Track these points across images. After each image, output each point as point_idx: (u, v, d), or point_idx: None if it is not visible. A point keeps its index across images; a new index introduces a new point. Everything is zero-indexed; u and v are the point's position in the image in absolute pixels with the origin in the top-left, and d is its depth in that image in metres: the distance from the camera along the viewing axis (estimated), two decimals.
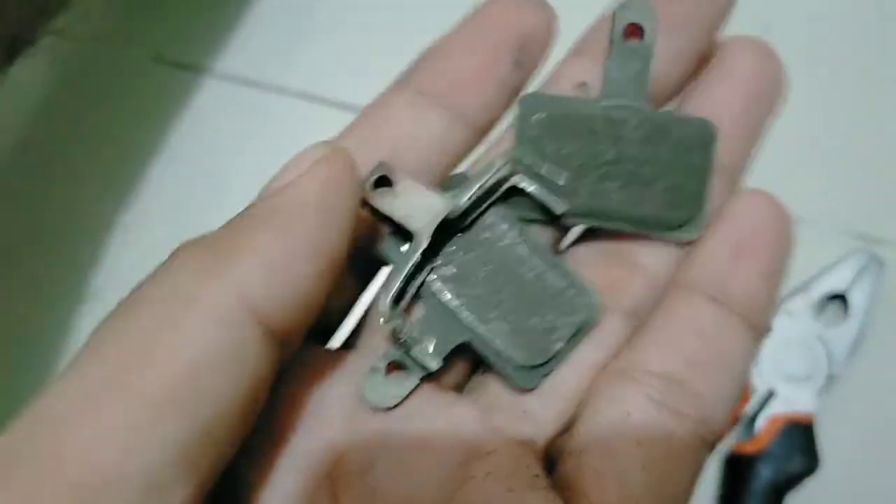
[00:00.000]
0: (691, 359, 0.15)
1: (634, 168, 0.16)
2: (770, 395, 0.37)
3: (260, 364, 0.13)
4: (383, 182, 0.15)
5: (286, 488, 0.15)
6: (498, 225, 0.17)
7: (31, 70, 0.41)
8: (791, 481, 0.36)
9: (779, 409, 0.36)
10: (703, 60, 0.17)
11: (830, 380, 0.37)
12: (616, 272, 0.17)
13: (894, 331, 0.39)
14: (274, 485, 0.15)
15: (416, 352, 0.16)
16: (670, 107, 0.18)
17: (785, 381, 0.37)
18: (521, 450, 0.16)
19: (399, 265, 0.16)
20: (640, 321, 0.16)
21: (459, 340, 0.16)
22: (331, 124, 0.41)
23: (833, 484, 0.37)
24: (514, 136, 0.17)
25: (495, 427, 0.16)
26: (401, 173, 0.15)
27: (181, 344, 0.12)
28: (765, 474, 0.35)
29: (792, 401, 0.37)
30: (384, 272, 0.17)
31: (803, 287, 0.38)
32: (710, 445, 0.15)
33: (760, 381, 0.37)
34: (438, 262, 0.17)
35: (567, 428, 0.16)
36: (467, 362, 0.18)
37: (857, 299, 0.38)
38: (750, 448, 0.36)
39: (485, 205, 0.16)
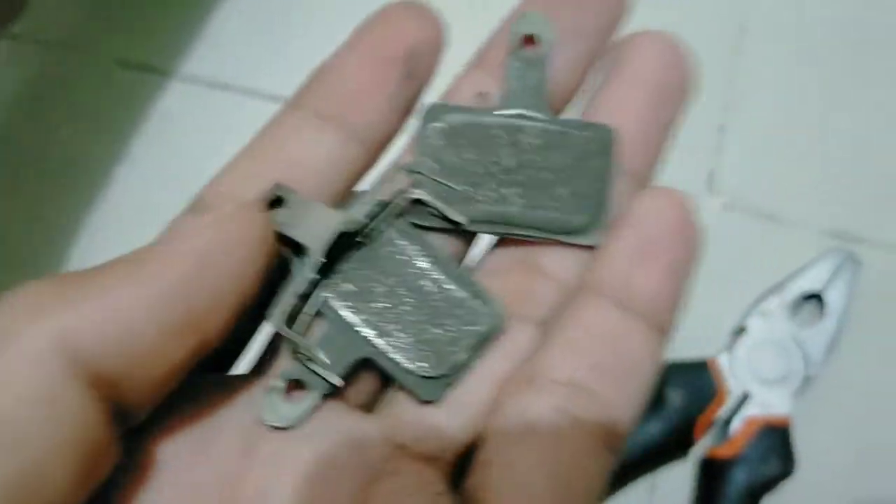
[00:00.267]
0: (596, 364, 0.15)
1: (534, 174, 0.16)
2: (745, 398, 0.36)
3: (87, 417, 0.12)
4: (278, 203, 0.15)
5: None
6: (398, 238, 0.17)
7: None
8: (767, 485, 0.35)
9: (754, 411, 0.36)
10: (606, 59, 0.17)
11: (807, 381, 0.37)
12: (525, 281, 0.16)
13: (871, 331, 0.38)
14: None
15: (315, 369, 0.16)
16: (576, 111, 0.18)
17: (760, 384, 0.36)
18: (425, 468, 0.15)
19: (292, 282, 0.15)
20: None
21: (360, 356, 0.16)
22: None
23: (810, 487, 0.36)
24: (415, 147, 0.17)
25: (399, 444, 0.16)
26: (294, 193, 0.15)
27: None
28: (740, 478, 0.35)
29: (767, 403, 0.36)
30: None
31: (778, 287, 0.38)
32: (615, 451, 0.15)
33: (735, 383, 0.36)
34: (337, 278, 0.16)
35: (475, 440, 0.16)
36: (376, 379, 0.17)
37: (833, 299, 0.38)
38: (725, 452, 0.35)
39: (384, 218, 0.16)
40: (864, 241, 0.40)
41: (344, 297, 0.16)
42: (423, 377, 0.16)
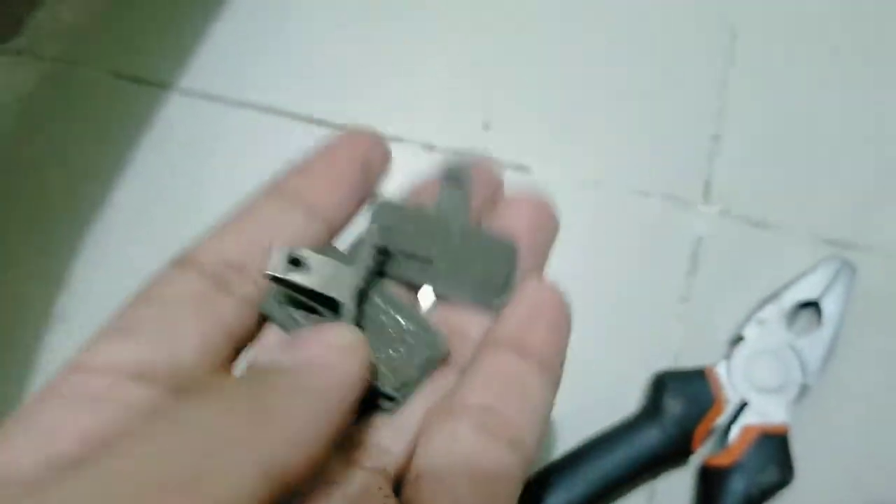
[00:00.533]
0: (500, 393, 0.18)
1: (456, 258, 0.21)
2: (743, 406, 0.36)
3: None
4: (296, 263, 0.18)
5: None
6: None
7: None
8: (765, 493, 0.35)
9: (752, 420, 0.36)
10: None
11: (804, 389, 0.37)
12: (454, 340, 0.20)
13: (868, 338, 0.38)
14: None
15: None
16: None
17: (757, 392, 0.36)
18: (374, 476, 0.18)
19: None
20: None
21: None
22: (292, 137, 0.41)
23: (808, 496, 0.36)
24: (369, 222, 0.21)
25: (350, 459, 0.18)
26: (310, 252, 0.18)
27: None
28: (738, 487, 0.35)
29: (765, 412, 0.36)
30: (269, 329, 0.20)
31: (775, 295, 0.38)
32: (524, 467, 0.18)
33: (733, 392, 0.36)
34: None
35: (410, 457, 0.18)
36: None
37: (830, 307, 0.38)
38: (723, 460, 0.35)
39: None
40: (859, 247, 0.40)
41: None
42: (383, 394, 0.19)
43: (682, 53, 0.44)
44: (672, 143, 0.42)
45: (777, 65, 0.44)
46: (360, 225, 0.21)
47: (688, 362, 0.38)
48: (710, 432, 0.36)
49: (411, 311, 0.20)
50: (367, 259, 0.19)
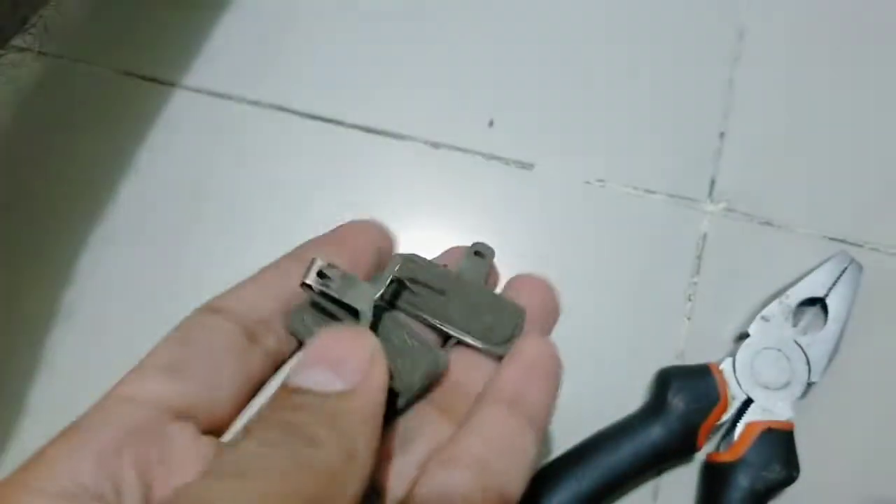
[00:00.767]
0: (497, 449, 0.20)
1: (469, 305, 0.24)
2: (747, 403, 0.36)
3: None
4: (323, 275, 0.21)
5: None
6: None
7: None
8: (770, 490, 0.35)
9: (756, 416, 0.36)
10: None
11: (809, 386, 0.37)
12: (453, 394, 0.23)
13: (874, 336, 0.38)
14: None
15: None
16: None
17: (762, 389, 0.36)
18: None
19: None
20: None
21: None
22: (299, 135, 0.41)
23: (813, 492, 0.36)
24: (393, 264, 0.23)
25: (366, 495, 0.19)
26: (337, 268, 0.21)
27: None
28: (743, 483, 0.35)
29: (770, 408, 0.36)
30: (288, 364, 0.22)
31: (781, 293, 0.38)
32: None
33: (738, 388, 0.36)
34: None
35: (407, 499, 0.20)
36: None
37: (835, 304, 0.38)
38: (727, 456, 0.35)
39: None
40: (864, 245, 0.40)
41: None
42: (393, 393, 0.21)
43: (689, 52, 0.44)
44: (677, 141, 0.42)
45: (783, 63, 0.44)
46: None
47: (693, 359, 0.38)
48: (714, 429, 0.36)
49: (417, 333, 0.23)
50: (386, 279, 0.22)
